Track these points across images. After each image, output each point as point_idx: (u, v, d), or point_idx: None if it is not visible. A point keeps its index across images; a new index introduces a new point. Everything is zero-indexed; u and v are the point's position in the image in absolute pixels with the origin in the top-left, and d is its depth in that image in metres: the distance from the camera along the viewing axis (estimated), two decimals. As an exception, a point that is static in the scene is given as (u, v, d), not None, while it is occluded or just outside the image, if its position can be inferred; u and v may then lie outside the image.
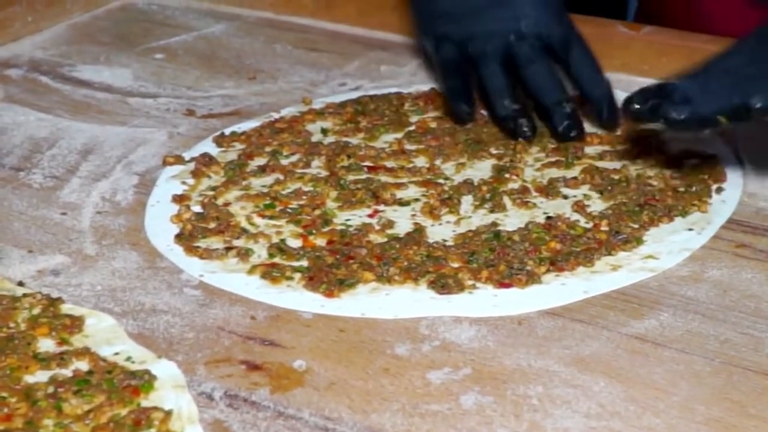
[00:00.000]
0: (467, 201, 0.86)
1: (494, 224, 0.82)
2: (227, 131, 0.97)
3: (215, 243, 0.82)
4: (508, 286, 0.76)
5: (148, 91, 1.06)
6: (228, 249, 0.80)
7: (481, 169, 0.90)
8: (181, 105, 1.03)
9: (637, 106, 0.79)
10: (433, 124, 0.97)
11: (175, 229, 0.83)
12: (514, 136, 0.93)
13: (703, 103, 0.78)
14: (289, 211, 0.85)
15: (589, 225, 0.82)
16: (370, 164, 0.90)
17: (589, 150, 0.92)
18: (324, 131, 0.96)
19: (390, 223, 0.83)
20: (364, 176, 0.89)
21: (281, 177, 0.89)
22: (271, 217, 0.84)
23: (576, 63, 0.94)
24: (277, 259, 0.80)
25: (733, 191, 0.86)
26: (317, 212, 0.84)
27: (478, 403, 0.67)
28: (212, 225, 0.83)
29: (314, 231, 0.82)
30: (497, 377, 0.69)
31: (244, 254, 0.80)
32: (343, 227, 0.82)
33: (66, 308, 0.75)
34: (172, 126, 0.99)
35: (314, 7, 1.20)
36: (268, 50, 1.14)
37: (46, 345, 0.71)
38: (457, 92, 0.95)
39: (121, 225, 0.85)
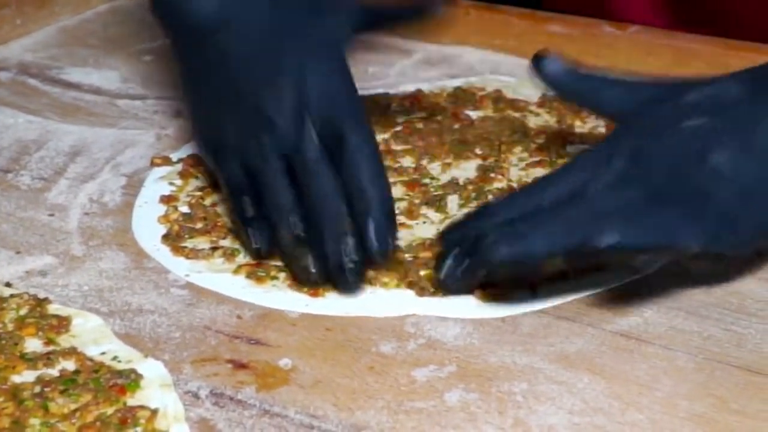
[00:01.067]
0: (453, 201, 0.86)
1: None
2: None
3: (202, 243, 0.82)
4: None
5: (137, 93, 1.06)
6: (214, 249, 0.81)
7: (466, 169, 0.91)
8: (169, 107, 1.03)
9: (451, 271, 0.72)
10: (420, 125, 0.97)
11: (163, 230, 0.84)
12: (301, 275, 0.76)
13: (533, 241, 0.68)
14: None
15: None
16: None
17: (571, 149, 0.92)
18: None
19: None
20: None
21: None
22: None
23: (346, 177, 0.75)
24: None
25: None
26: None
27: (463, 400, 0.67)
28: (199, 225, 0.84)
29: None
30: (482, 374, 0.69)
31: (230, 254, 0.80)
32: None
33: (53, 308, 0.75)
34: (160, 127, 1.00)
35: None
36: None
37: (33, 345, 0.71)
38: (251, 224, 0.78)
39: (108, 226, 0.85)
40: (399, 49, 1.14)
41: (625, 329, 0.73)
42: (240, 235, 0.80)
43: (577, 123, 0.96)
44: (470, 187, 0.87)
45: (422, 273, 0.77)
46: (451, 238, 0.73)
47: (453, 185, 0.88)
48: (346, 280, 0.75)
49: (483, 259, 0.70)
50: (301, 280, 0.76)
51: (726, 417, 0.66)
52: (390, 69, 1.10)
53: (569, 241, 0.68)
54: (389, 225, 0.75)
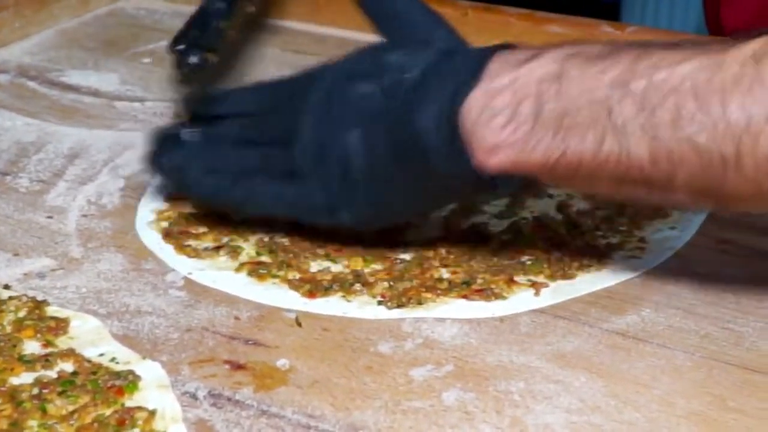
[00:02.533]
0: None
1: (485, 225, 0.83)
2: None
3: (206, 241, 0.82)
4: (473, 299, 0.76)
5: (135, 95, 1.06)
6: (218, 248, 0.81)
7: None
8: (168, 109, 1.04)
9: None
10: None
11: (165, 225, 0.84)
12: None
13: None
14: None
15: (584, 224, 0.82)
16: None
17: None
18: None
19: None
20: None
21: None
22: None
23: None
24: (264, 257, 0.80)
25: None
26: None
27: (460, 400, 0.67)
28: (204, 223, 0.84)
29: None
30: (479, 374, 0.69)
31: (234, 251, 0.81)
32: None
33: (51, 310, 0.75)
34: (158, 129, 1.00)
35: (301, 11, 1.21)
36: (256, 53, 1.15)
37: (32, 347, 0.71)
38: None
39: (107, 228, 0.85)
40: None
41: (622, 328, 0.73)
42: None
43: None
44: None
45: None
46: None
47: None
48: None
49: (190, 190, 0.79)
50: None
51: (723, 415, 0.66)
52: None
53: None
54: None
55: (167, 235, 0.83)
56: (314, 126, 0.72)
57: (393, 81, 0.70)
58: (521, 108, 0.65)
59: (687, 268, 0.79)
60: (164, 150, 0.79)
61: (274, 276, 0.78)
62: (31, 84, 1.09)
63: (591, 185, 0.67)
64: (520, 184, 0.69)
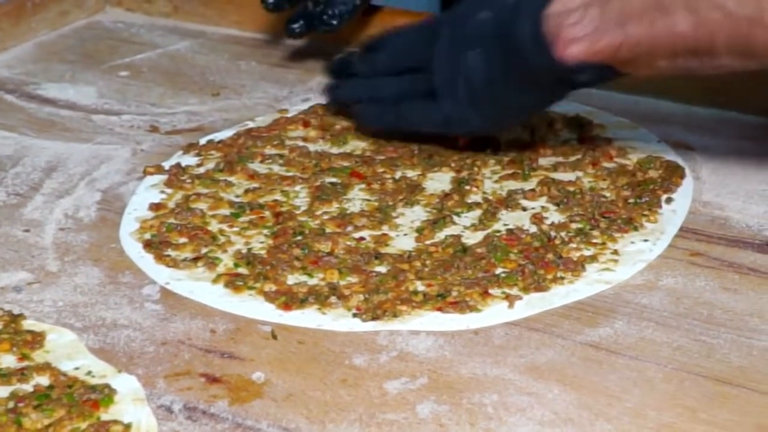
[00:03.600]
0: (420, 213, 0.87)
1: (458, 237, 0.83)
2: (203, 140, 0.98)
3: (185, 251, 0.83)
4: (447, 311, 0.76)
5: (113, 109, 1.07)
6: (196, 259, 0.82)
7: (441, 181, 0.92)
8: (144, 122, 1.04)
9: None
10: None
11: (147, 237, 0.84)
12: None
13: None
14: (263, 216, 0.87)
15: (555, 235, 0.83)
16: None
17: (543, 161, 0.93)
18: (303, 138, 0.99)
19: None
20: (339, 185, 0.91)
21: (257, 185, 0.91)
22: (241, 227, 0.86)
23: None
24: (242, 269, 0.81)
25: (684, 200, 0.88)
26: (290, 223, 0.85)
27: (434, 412, 0.68)
28: (183, 233, 0.84)
29: (285, 244, 0.83)
30: (453, 386, 0.70)
31: (212, 263, 0.81)
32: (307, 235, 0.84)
33: (28, 324, 0.75)
34: (135, 143, 1.00)
35: (280, 23, 1.21)
36: (233, 66, 1.15)
37: (7, 361, 0.72)
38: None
39: (83, 241, 0.85)
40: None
41: (595, 340, 0.74)
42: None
43: (550, 136, 0.97)
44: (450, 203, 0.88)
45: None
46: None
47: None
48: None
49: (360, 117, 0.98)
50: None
51: (694, 427, 0.66)
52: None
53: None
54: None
55: (148, 244, 0.83)
56: (446, 50, 0.90)
57: (500, 6, 0.87)
58: (589, 9, 0.81)
59: (659, 280, 0.80)
60: (338, 83, 1.00)
61: (251, 288, 0.79)
62: (9, 97, 1.09)
63: (651, 63, 0.81)
64: (595, 76, 0.84)
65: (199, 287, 0.79)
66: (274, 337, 0.74)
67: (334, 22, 1.10)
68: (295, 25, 1.09)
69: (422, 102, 0.91)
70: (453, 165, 0.93)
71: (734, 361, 0.72)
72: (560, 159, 0.94)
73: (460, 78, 0.88)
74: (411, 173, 0.92)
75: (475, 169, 0.92)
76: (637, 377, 0.70)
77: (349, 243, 0.83)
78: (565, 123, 0.98)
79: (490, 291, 0.77)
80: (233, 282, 0.79)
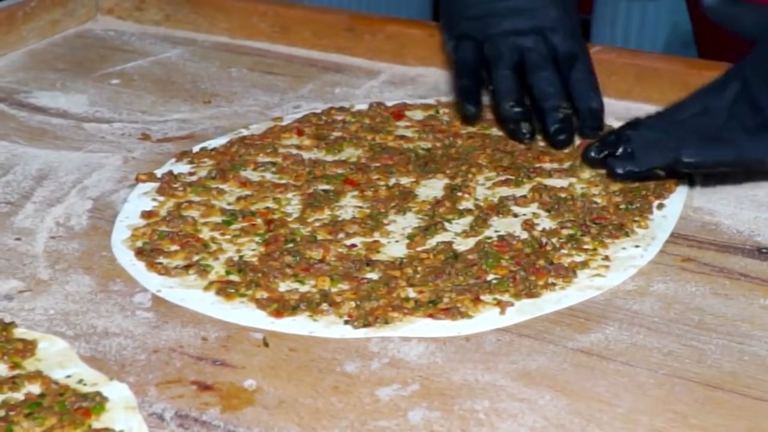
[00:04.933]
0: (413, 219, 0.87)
1: (449, 244, 0.83)
2: (196, 148, 0.98)
3: (176, 259, 0.83)
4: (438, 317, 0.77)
5: (104, 117, 1.07)
6: (188, 267, 0.82)
7: (434, 188, 0.92)
8: (136, 129, 1.04)
9: (593, 155, 0.92)
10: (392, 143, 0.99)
11: (139, 245, 0.85)
12: (513, 137, 0.98)
13: (642, 159, 0.90)
14: (255, 223, 0.87)
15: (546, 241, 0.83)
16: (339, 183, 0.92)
17: (540, 167, 0.94)
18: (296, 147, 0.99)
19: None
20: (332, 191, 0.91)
21: (249, 193, 0.91)
22: (233, 234, 0.86)
23: (575, 78, 0.99)
24: (233, 276, 0.81)
25: (675, 206, 0.88)
26: (282, 231, 0.85)
27: (426, 419, 0.68)
28: (175, 241, 0.84)
29: (277, 251, 0.83)
30: (445, 393, 0.70)
31: (203, 270, 0.81)
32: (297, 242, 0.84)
33: (19, 332, 0.75)
34: (126, 150, 1.00)
35: (270, 31, 1.22)
36: (224, 74, 1.15)
37: (-1, 369, 0.72)
38: (467, 92, 1.00)
39: (74, 249, 0.85)
40: (365, 70, 1.15)
41: (586, 346, 0.74)
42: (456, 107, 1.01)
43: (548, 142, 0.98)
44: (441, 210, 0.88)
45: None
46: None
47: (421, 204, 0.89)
48: (558, 133, 0.96)
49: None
50: (516, 139, 0.98)
51: (685, 432, 0.67)
52: (357, 90, 1.11)
53: (661, 160, 0.89)
54: (600, 114, 0.98)
55: (139, 252, 0.84)
56: None
57: None
58: None
59: (650, 286, 0.80)
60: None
61: (242, 295, 0.79)
62: (0, 106, 1.09)
63: None
64: None
65: (191, 295, 0.79)
66: (266, 344, 0.74)
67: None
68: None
69: (746, 135, 0.87)
70: (448, 171, 0.93)
71: (725, 366, 0.72)
72: (555, 165, 0.94)
73: None
74: (405, 180, 0.93)
75: (469, 175, 0.93)
76: (628, 383, 0.71)
77: (340, 250, 0.83)
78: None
79: (482, 297, 0.78)
80: (225, 289, 0.79)
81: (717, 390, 0.70)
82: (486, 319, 0.76)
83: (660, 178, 0.90)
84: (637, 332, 0.75)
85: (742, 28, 0.91)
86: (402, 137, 1.00)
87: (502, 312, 0.76)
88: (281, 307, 0.77)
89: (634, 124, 0.93)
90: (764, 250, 0.84)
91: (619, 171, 0.90)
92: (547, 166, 0.94)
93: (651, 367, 0.72)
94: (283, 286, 0.79)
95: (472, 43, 1.02)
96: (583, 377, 0.71)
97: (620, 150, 0.91)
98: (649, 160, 0.90)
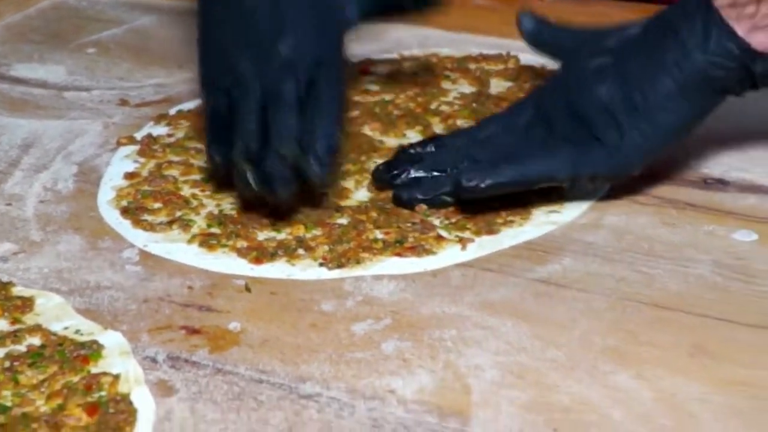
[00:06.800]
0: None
1: None
2: (173, 111, 1.03)
3: (160, 216, 0.88)
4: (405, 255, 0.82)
5: (82, 85, 1.11)
6: (171, 222, 0.86)
7: (399, 138, 0.97)
8: (114, 96, 1.08)
9: (381, 172, 0.88)
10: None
11: (124, 204, 0.89)
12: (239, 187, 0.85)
13: (429, 185, 0.86)
14: None
15: None
16: None
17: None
18: None
19: None
20: None
21: None
22: (212, 191, 0.90)
23: (311, 110, 0.83)
24: (214, 229, 0.86)
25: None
26: None
27: (398, 349, 0.73)
28: (158, 199, 0.89)
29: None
30: (415, 325, 0.75)
31: (186, 225, 0.86)
32: None
33: (17, 291, 0.80)
34: (107, 116, 1.04)
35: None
36: (194, 39, 1.19)
37: (1, 325, 0.76)
38: (215, 141, 0.85)
39: (63, 212, 0.90)
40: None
41: (544, 276, 0.79)
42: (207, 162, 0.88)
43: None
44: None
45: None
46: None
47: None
48: (274, 190, 0.81)
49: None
50: (241, 194, 0.85)
51: (636, 348, 0.72)
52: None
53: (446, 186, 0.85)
54: (326, 158, 0.82)
55: (125, 211, 0.88)
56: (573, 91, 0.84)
57: (618, 40, 0.85)
58: (761, 6, 0.79)
59: (603, 219, 0.85)
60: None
61: (224, 245, 0.84)
62: (-19, 79, 1.13)
63: None
64: None
65: (176, 248, 0.84)
66: (248, 289, 0.80)
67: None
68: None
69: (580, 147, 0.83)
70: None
71: (672, 288, 0.78)
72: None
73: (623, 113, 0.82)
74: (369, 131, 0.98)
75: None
76: (583, 308, 0.76)
77: None
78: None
79: (444, 235, 0.83)
80: (207, 241, 0.84)
81: (665, 310, 0.75)
82: (449, 255, 0.81)
83: (450, 204, 0.86)
84: (591, 261, 0.81)
85: (560, 52, 0.89)
86: (367, 91, 1.05)
87: (464, 248, 0.82)
88: (260, 254, 0.82)
89: (430, 142, 0.90)
90: (709, 181, 0.89)
91: (404, 197, 0.86)
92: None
93: (604, 292, 0.77)
94: (261, 236, 0.85)
95: (220, 91, 0.86)
96: (543, 305, 0.77)
97: (403, 175, 0.87)
98: (435, 187, 0.86)
